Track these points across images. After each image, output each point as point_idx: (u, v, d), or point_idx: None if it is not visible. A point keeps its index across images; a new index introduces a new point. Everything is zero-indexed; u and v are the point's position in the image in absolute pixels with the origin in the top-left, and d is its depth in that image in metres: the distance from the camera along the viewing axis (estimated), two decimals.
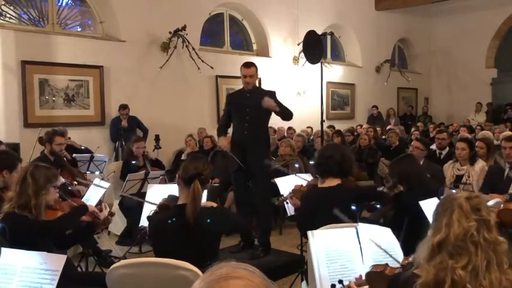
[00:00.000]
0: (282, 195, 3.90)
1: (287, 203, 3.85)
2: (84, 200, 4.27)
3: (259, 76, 5.24)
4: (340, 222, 2.66)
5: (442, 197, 1.89)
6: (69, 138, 6.59)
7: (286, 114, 4.90)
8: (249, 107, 4.77)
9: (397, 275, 1.86)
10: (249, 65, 4.88)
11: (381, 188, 3.95)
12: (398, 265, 2.17)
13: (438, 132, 6.91)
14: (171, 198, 2.82)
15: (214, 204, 2.90)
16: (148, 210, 3.52)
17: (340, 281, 2.08)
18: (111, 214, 3.89)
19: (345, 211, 2.75)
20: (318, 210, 3.08)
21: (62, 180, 4.80)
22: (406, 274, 1.76)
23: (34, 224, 2.87)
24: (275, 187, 4.39)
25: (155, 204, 3.32)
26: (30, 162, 3.95)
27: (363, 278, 2.08)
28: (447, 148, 6.24)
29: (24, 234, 2.77)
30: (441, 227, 1.70)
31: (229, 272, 1.04)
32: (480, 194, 1.84)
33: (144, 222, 3.69)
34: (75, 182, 5.15)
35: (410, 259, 1.93)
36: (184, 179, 2.68)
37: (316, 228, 2.65)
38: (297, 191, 3.58)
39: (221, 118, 5.86)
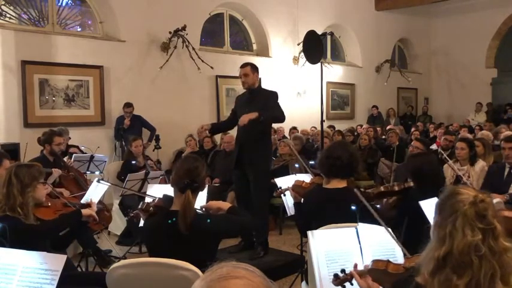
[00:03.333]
0: (280, 187, 3.86)
1: (284, 195, 3.81)
2: (83, 200, 4.27)
3: (259, 76, 5.18)
4: (346, 222, 2.63)
5: (444, 193, 1.73)
6: (69, 138, 6.61)
7: (273, 120, 4.91)
8: (249, 109, 4.77)
9: (401, 283, 1.82)
10: (243, 65, 4.92)
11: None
12: (400, 261, 2.18)
13: (446, 133, 7.06)
14: (166, 199, 2.76)
15: (225, 205, 2.80)
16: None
17: (343, 270, 2.08)
18: (108, 210, 3.89)
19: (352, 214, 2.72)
20: (323, 211, 3.02)
21: (59, 172, 4.84)
22: (410, 286, 1.69)
23: (26, 227, 2.88)
24: (275, 187, 4.39)
25: (155, 197, 3.30)
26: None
27: (369, 265, 2.05)
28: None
29: (18, 236, 2.78)
30: (445, 236, 1.61)
31: (229, 272, 1.04)
32: (486, 194, 1.70)
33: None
34: (72, 173, 5.17)
35: (413, 263, 1.89)
36: (177, 186, 2.60)
37: (318, 228, 2.65)
38: (297, 186, 3.54)
39: None
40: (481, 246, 1.56)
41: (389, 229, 2.39)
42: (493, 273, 1.55)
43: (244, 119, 4.54)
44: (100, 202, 4.36)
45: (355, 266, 2.09)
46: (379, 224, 2.44)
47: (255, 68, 4.89)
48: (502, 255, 1.58)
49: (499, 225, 1.61)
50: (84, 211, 3.26)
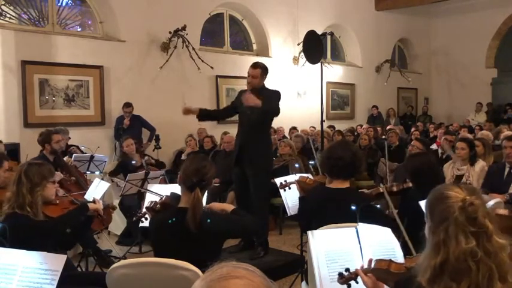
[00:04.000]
0: (286, 180, 3.84)
1: (290, 188, 3.80)
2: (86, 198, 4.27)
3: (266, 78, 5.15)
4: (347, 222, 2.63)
5: (432, 194, 1.73)
6: (69, 138, 6.61)
7: (265, 113, 4.72)
8: (250, 108, 4.77)
9: (403, 283, 1.83)
10: (255, 65, 4.88)
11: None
12: (401, 261, 2.19)
13: (447, 133, 7.06)
14: (174, 197, 2.79)
15: (228, 207, 2.82)
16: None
17: (347, 269, 2.09)
18: (113, 208, 3.88)
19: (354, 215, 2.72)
20: (324, 210, 3.02)
21: (60, 175, 4.84)
22: (413, 286, 1.69)
23: (35, 224, 2.89)
24: (275, 187, 4.38)
25: (159, 194, 3.31)
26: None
27: (372, 264, 2.06)
28: None
29: (25, 234, 2.79)
30: (439, 243, 1.61)
31: (229, 272, 1.04)
32: (475, 197, 1.65)
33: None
34: (73, 178, 5.17)
35: (414, 264, 1.90)
36: (185, 185, 2.62)
37: (319, 228, 2.65)
38: (301, 182, 3.54)
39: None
40: (477, 251, 1.56)
41: (403, 229, 2.39)
42: (490, 274, 1.56)
43: (249, 101, 4.46)
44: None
45: (362, 266, 2.11)
46: (388, 226, 2.45)
47: (265, 72, 4.87)
48: (498, 254, 1.58)
49: (490, 224, 1.61)
50: (91, 205, 3.26)
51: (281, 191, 3.87)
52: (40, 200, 2.96)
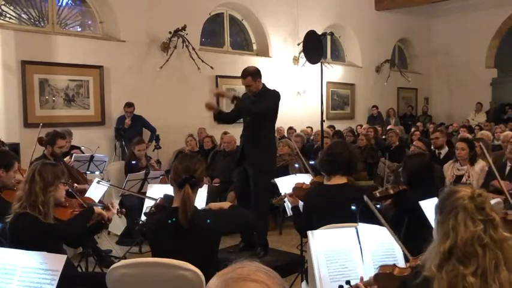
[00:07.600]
0: (280, 193, 3.87)
1: (284, 201, 3.82)
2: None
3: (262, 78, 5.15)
4: (349, 220, 2.63)
5: (442, 193, 1.81)
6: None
7: (242, 110, 4.79)
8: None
9: (408, 280, 1.84)
10: (243, 75, 4.79)
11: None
12: (400, 261, 2.19)
13: (432, 132, 7.05)
14: (167, 198, 2.78)
15: (226, 205, 2.84)
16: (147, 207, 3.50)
17: (348, 282, 2.08)
18: (122, 213, 3.88)
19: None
20: (325, 206, 3.05)
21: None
22: (418, 279, 1.74)
23: (44, 226, 2.87)
24: (275, 187, 4.38)
25: (155, 199, 3.33)
26: (30, 163, 3.94)
27: (375, 271, 2.07)
28: (446, 148, 6.24)
29: (32, 236, 2.78)
30: (448, 231, 1.68)
31: (249, 273, 1.03)
32: (482, 190, 1.76)
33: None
34: (75, 185, 5.15)
35: (418, 261, 1.91)
36: (175, 182, 2.62)
37: (320, 226, 2.66)
38: (298, 189, 3.56)
39: None
40: (483, 236, 1.65)
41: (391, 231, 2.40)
42: (496, 262, 1.63)
43: (215, 91, 4.54)
44: (101, 202, 4.36)
45: (361, 278, 2.10)
46: (383, 225, 2.44)
47: (256, 75, 4.79)
48: (503, 244, 1.66)
49: (497, 216, 1.70)
50: (97, 209, 3.24)
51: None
52: (52, 200, 2.95)
